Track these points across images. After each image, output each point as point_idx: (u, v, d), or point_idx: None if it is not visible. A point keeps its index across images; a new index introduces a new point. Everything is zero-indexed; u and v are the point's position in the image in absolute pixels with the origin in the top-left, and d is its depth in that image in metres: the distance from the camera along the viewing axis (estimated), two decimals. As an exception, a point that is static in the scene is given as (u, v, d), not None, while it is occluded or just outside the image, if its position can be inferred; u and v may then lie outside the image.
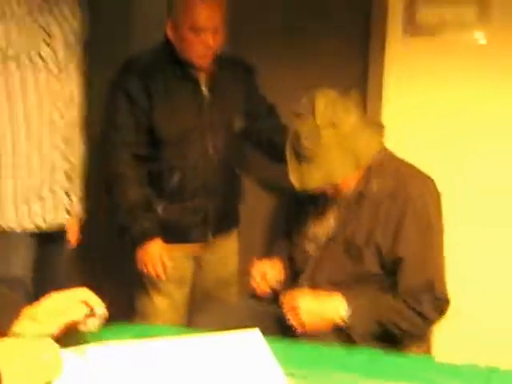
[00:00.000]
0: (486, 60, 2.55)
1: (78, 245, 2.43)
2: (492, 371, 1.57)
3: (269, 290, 2.11)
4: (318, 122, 1.82)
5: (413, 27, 2.62)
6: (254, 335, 1.58)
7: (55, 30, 2.10)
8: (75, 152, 2.23)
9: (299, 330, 1.87)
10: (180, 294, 2.56)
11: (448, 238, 1.96)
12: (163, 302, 2.52)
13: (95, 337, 1.44)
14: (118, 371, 1.37)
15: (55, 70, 2.10)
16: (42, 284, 2.16)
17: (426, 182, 1.97)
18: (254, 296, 2.14)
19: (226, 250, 2.67)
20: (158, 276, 2.43)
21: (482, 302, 2.66)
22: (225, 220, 2.58)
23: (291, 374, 1.43)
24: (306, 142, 1.84)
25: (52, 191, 2.16)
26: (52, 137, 2.12)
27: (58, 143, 2.14)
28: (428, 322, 1.89)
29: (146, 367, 1.42)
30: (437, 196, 1.96)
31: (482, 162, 2.63)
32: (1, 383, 1.05)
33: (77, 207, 2.31)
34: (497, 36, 2.54)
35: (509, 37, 2.52)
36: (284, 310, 1.90)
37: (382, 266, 1.91)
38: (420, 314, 1.85)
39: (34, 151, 2.08)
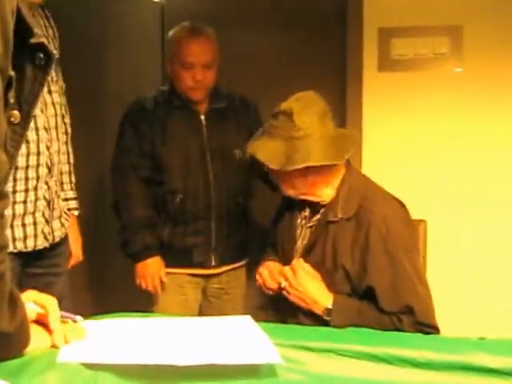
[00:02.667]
0: (459, 88, 2.65)
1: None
2: (480, 340, 1.52)
3: (274, 287, 2.01)
4: (294, 108, 1.81)
5: (388, 63, 2.73)
6: (246, 318, 1.54)
7: None
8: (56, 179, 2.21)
9: (287, 294, 1.84)
10: None
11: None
12: None
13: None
14: (113, 334, 1.37)
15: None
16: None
17: (392, 206, 1.88)
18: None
19: (233, 282, 2.63)
20: (154, 289, 2.50)
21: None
22: (230, 248, 2.56)
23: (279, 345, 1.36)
24: (275, 121, 1.83)
25: (34, 218, 2.12)
26: (38, 168, 2.09)
27: (43, 173, 2.12)
28: None
29: (139, 330, 1.40)
30: (404, 220, 1.88)
31: (458, 185, 2.67)
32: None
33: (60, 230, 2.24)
34: (470, 65, 2.65)
35: (481, 65, 2.63)
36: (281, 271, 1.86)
37: (354, 291, 1.84)
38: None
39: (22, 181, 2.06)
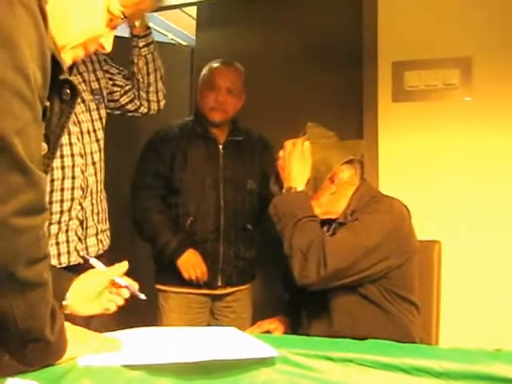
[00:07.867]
0: (469, 116, 2.62)
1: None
2: (497, 351, 1.47)
3: None
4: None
5: (401, 94, 2.72)
6: (232, 328, 1.57)
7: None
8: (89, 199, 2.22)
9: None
10: None
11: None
12: None
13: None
14: (127, 340, 1.38)
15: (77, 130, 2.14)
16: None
17: (392, 205, 1.88)
18: None
19: (239, 302, 2.62)
20: (202, 275, 2.45)
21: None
22: (237, 271, 2.55)
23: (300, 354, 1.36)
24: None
25: (66, 236, 2.11)
26: (73, 190, 2.10)
27: (77, 195, 2.12)
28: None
29: (148, 337, 1.44)
30: (398, 218, 1.85)
31: (471, 208, 2.63)
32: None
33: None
34: (478, 94, 2.62)
35: (489, 94, 2.60)
36: None
37: None
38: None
39: (57, 204, 2.08)
